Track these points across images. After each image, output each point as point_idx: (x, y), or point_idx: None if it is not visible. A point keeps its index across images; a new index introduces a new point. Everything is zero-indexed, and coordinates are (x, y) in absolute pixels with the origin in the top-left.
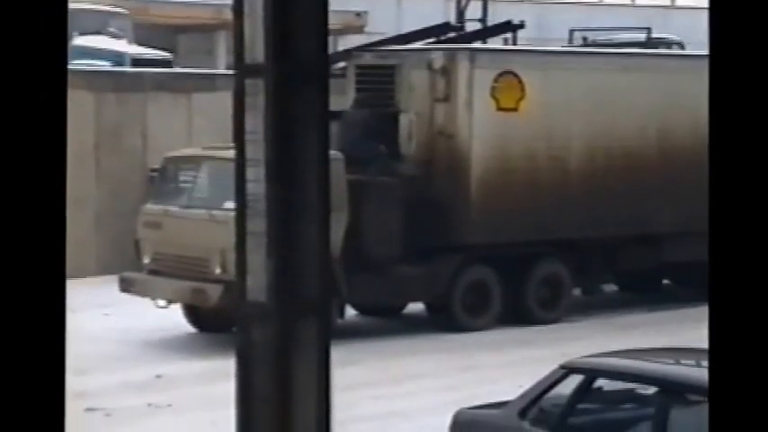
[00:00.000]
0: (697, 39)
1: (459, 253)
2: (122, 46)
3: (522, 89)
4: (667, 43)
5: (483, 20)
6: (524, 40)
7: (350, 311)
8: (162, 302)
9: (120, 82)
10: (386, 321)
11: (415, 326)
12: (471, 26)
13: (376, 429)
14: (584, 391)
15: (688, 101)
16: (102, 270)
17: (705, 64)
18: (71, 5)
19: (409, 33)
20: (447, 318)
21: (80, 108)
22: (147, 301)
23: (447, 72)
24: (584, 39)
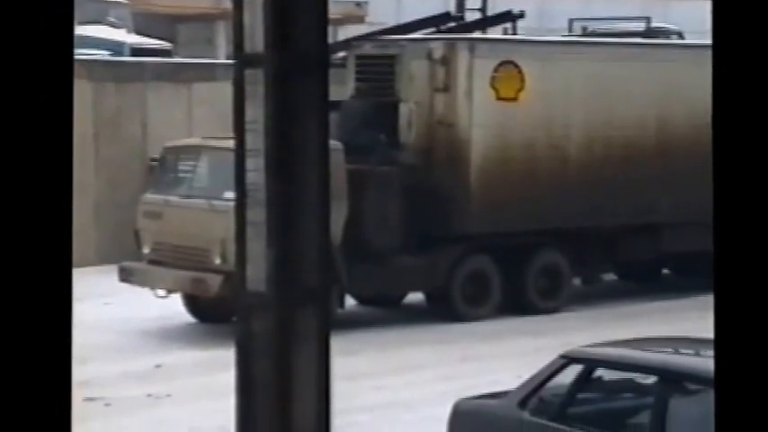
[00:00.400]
0: (696, 28)
1: (458, 243)
2: (122, 35)
3: (522, 79)
4: (667, 33)
5: (483, 10)
6: (524, 29)
7: (350, 301)
8: (162, 292)
9: (120, 71)
10: (386, 311)
11: (414, 316)
12: (471, 16)
13: (376, 419)
14: (584, 380)
15: (687, 91)
16: (102, 260)
17: (705, 53)
18: None
19: (409, 23)
20: (447, 307)
21: (79, 97)
22: (146, 291)
23: (447, 62)
24: (584, 29)
